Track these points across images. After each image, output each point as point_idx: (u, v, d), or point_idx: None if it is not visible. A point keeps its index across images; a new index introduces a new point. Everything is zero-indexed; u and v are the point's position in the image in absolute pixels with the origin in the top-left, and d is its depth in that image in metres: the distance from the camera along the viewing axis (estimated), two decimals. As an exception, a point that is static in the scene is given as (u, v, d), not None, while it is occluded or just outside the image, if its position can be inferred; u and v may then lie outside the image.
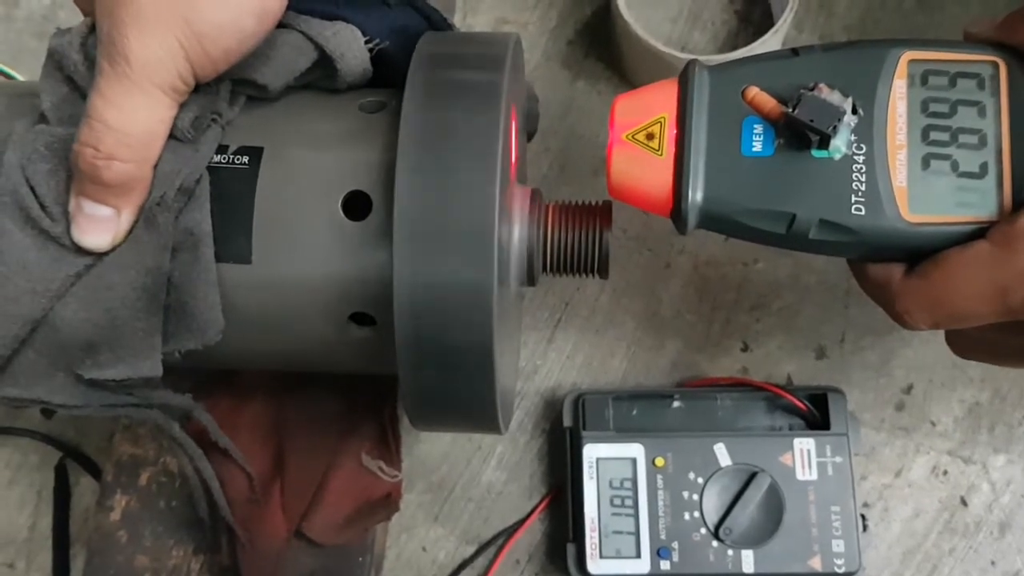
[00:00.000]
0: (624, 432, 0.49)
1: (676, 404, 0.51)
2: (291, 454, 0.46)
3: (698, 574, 0.47)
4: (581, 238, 0.41)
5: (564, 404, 0.51)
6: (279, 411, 0.48)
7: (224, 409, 0.46)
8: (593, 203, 0.42)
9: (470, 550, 0.51)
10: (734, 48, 0.53)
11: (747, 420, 0.50)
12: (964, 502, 0.51)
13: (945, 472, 0.51)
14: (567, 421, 0.50)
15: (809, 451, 0.48)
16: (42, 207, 0.36)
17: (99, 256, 0.36)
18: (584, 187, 0.55)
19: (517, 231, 0.40)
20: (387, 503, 0.47)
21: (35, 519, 0.52)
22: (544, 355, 0.54)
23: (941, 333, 0.41)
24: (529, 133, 0.46)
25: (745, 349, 0.53)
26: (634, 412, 0.51)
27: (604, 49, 0.57)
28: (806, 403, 0.49)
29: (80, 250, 0.36)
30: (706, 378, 0.52)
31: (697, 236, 0.54)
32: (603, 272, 0.41)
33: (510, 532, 0.51)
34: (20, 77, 0.56)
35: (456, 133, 0.36)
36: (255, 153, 0.38)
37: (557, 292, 0.54)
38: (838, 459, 0.48)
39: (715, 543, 0.47)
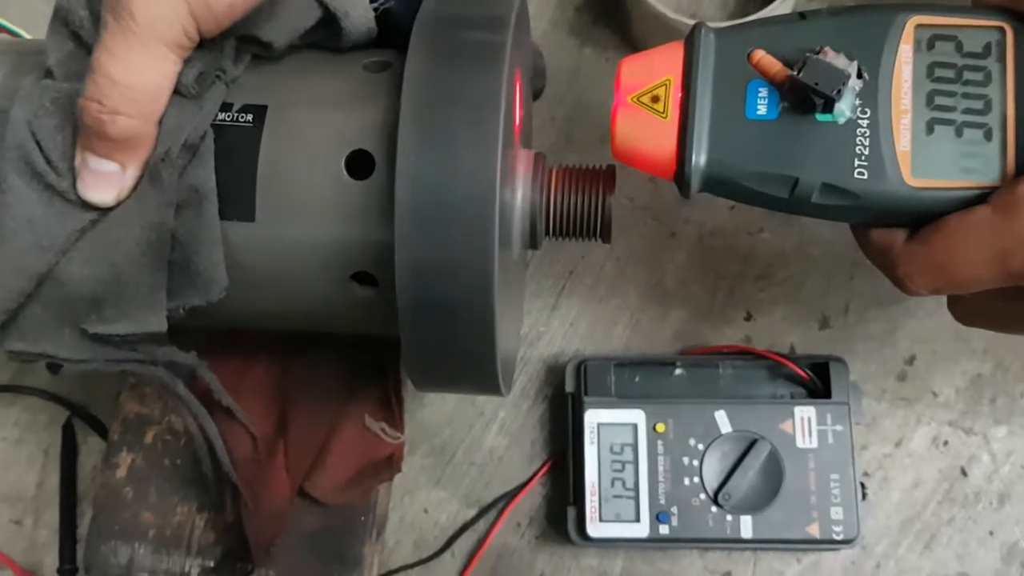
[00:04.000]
0: (626, 398, 0.49)
1: (678, 371, 0.51)
2: (295, 415, 0.47)
3: (697, 538, 0.48)
4: (584, 202, 0.41)
5: (566, 370, 0.51)
6: (284, 373, 0.48)
7: (229, 370, 0.46)
8: (597, 167, 0.42)
9: (471, 513, 0.52)
10: (744, 15, 0.52)
11: (749, 388, 0.50)
12: (964, 472, 0.51)
13: (946, 443, 0.51)
14: (569, 387, 0.51)
15: (810, 419, 0.48)
16: (48, 162, 0.36)
17: (104, 212, 0.36)
18: (591, 156, 0.54)
19: (520, 193, 0.40)
20: (389, 464, 0.47)
21: (43, 477, 0.53)
22: (547, 322, 0.54)
23: (945, 305, 0.41)
24: (535, 91, 0.46)
25: (749, 319, 0.53)
26: (636, 379, 0.51)
27: (612, 16, 0.56)
28: (808, 372, 0.50)
29: (86, 205, 0.36)
30: (709, 347, 0.52)
31: (703, 206, 0.54)
32: (606, 236, 0.41)
33: (511, 496, 0.51)
34: (28, 37, 0.56)
35: (459, 94, 0.36)
36: (259, 111, 0.38)
37: (562, 260, 0.54)
38: (839, 428, 0.48)
39: (714, 508, 0.48)
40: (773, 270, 0.53)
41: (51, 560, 0.51)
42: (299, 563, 0.46)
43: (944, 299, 0.41)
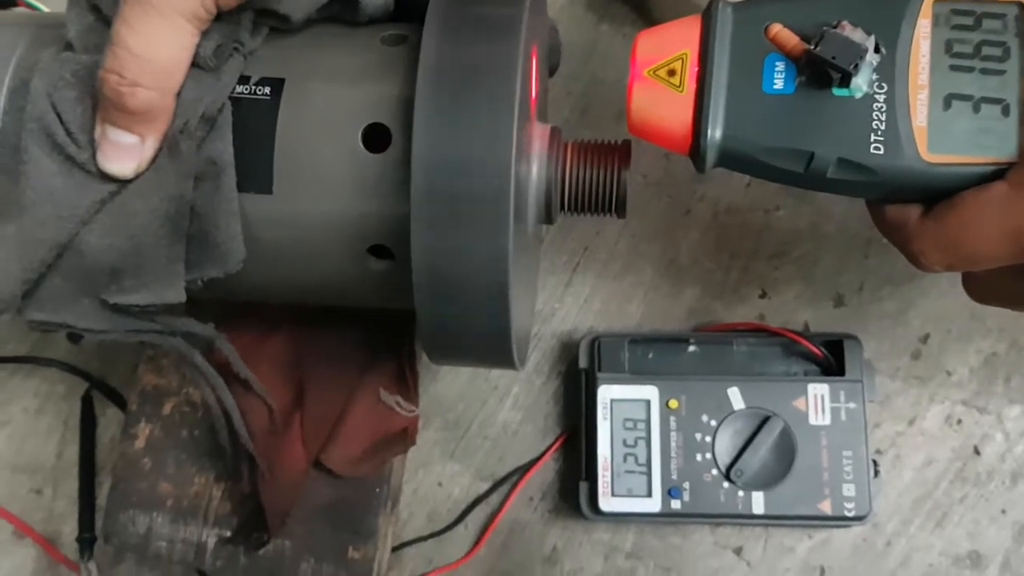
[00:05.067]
0: (639, 375, 0.50)
1: (692, 348, 0.51)
2: (311, 387, 0.47)
3: (708, 514, 0.48)
4: (599, 176, 0.41)
5: (580, 346, 0.51)
6: (300, 346, 0.48)
7: (247, 342, 0.47)
8: (613, 142, 0.42)
9: (484, 486, 0.52)
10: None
11: (762, 365, 0.50)
12: (977, 451, 0.51)
13: (959, 421, 0.51)
14: (583, 363, 0.51)
15: (823, 397, 0.49)
16: (68, 134, 0.36)
17: (124, 183, 0.36)
18: (606, 132, 0.54)
19: (535, 168, 0.40)
20: (404, 437, 0.48)
21: (62, 447, 0.54)
22: (561, 299, 0.54)
23: (960, 283, 0.41)
24: (551, 68, 0.46)
25: (763, 296, 0.53)
26: (650, 355, 0.51)
27: (629, -8, 0.56)
28: (822, 349, 0.50)
29: (105, 177, 0.36)
30: (722, 324, 0.53)
31: (718, 183, 0.54)
32: (620, 211, 0.42)
33: (524, 470, 0.52)
34: (47, 10, 0.56)
35: (475, 67, 0.36)
36: (277, 84, 0.38)
37: (576, 237, 0.54)
38: (852, 405, 0.48)
39: (726, 484, 0.48)
40: (788, 248, 0.53)
41: (70, 529, 0.52)
42: (314, 534, 0.46)
43: (959, 277, 0.41)
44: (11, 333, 0.55)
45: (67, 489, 0.53)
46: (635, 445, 0.49)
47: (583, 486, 0.49)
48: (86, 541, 0.51)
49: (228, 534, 0.47)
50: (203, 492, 0.47)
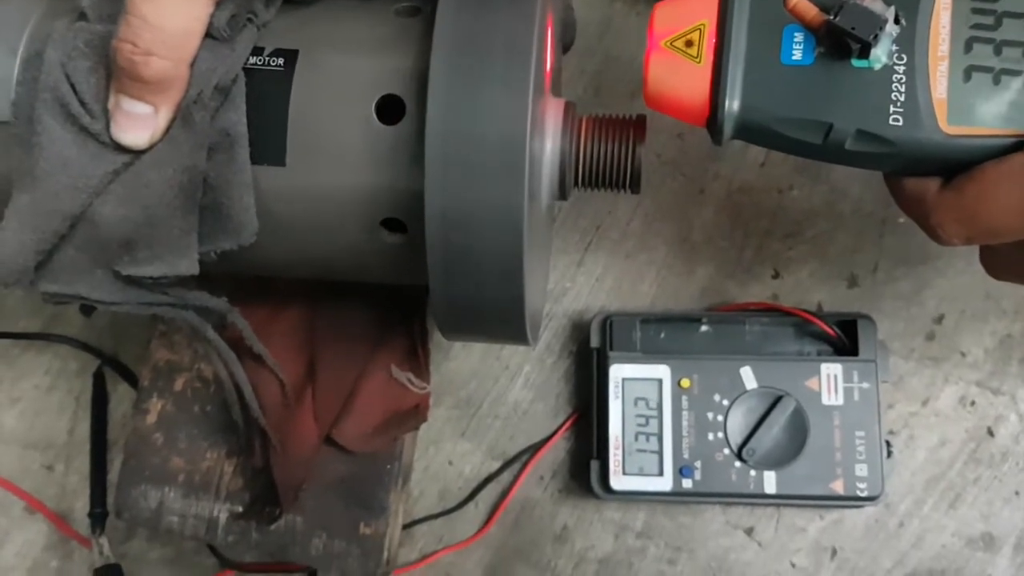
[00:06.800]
0: (651, 354, 0.50)
1: (704, 328, 0.51)
2: (323, 363, 0.47)
3: (720, 493, 0.48)
4: (614, 151, 0.41)
5: (592, 325, 0.51)
6: (312, 322, 0.48)
7: (259, 317, 0.47)
8: (628, 116, 0.42)
9: (495, 465, 0.52)
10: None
11: (775, 345, 0.50)
12: (991, 432, 0.51)
13: (973, 402, 0.51)
14: (594, 342, 0.51)
15: (836, 376, 0.48)
16: (82, 104, 0.36)
17: (137, 154, 0.36)
18: (620, 109, 0.53)
19: (550, 143, 0.40)
20: (415, 414, 0.48)
21: (73, 424, 0.54)
22: (573, 278, 0.54)
23: (975, 264, 0.41)
24: (565, 45, 0.46)
25: (776, 276, 0.53)
26: (662, 335, 0.51)
27: (643, -30, 0.56)
28: (835, 329, 0.49)
29: (119, 147, 0.36)
30: (735, 303, 0.52)
31: (732, 162, 0.54)
32: (635, 186, 0.41)
33: (535, 449, 0.52)
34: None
35: (490, 40, 0.35)
36: (290, 56, 0.38)
37: (588, 215, 0.54)
38: (865, 385, 0.48)
39: (738, 463, 0.48)
40: (802, 227, 0.53)
41: (82, 505, 0.52)
42: (326, 509, 0.46)
43: (975, 257, 0.40)
44: (23, 310, 0.55)
45: (79, 465, 0.53)
46: (646, 424, 0.49)
47: (594, 465, 0.49)
48: (98, 516, 0.51)
49: (240, 509, 0.47)
50: (215, 467, 0.47)
